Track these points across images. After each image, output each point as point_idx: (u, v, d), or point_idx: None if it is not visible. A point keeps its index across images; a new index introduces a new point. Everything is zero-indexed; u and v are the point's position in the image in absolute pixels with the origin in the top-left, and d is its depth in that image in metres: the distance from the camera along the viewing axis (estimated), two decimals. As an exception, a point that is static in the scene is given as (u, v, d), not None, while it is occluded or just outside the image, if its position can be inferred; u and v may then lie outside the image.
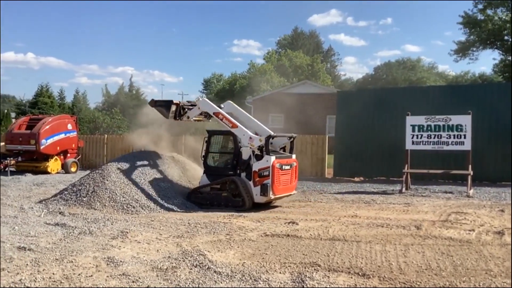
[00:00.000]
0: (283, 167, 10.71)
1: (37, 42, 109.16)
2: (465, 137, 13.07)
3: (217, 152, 11.55)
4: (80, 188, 10.73)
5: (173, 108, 11.52)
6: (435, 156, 14.95)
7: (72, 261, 5.93)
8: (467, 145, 13.05)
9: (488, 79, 46.87)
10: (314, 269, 5.67)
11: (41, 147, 18.77)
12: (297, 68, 56.59)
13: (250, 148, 10.62)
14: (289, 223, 8.59)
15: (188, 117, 11.77)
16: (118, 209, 9.92)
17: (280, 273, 5.56)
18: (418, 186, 14.09)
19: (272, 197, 10.51)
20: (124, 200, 10.16)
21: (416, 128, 13.65)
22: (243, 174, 10.76)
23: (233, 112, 12.11)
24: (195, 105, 11.73)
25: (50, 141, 19.21)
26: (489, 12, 32.19)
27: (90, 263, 5.88)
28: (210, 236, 7.57)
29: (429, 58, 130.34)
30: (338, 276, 5.43)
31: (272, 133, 11.08)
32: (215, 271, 5.55)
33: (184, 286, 5.02)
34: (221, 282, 5.18)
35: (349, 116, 17.68)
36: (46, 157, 19.24)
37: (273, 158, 10.42)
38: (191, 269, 5.68)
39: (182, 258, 6.11)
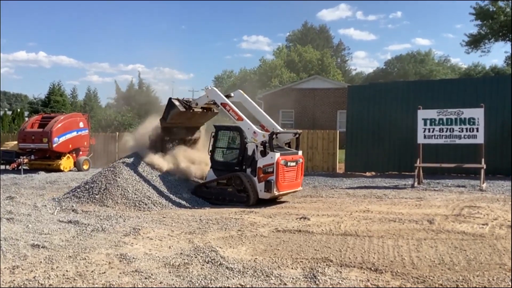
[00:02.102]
0: (288, 163, 10.70)
1: (48, 41, 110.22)
2: (477, 131, 12.93)
3: (224, 147, 11.57)
4: (92, 185, 10.81)
5: (176, 102, 11.64)
6: (447, 150, 14.82)
7: (85, 258, 5.97)
8: (480, 139, 12.92)
9: (500, 72, 46.31)
10: (326, 265, 5.65)
11: (54, 145, 18.95)
12: (307, 63, 56.42)
13: (253, 142, 10.66)
14: (300, 218, 8.58)
15: (196, 104, 11.89)
16: (130, 206, 9.98)
17: (292, 268, 5.56)
18: (431, 180, 13.97)
19: (276, 193, 10.50)
20: (136, 197, 10.22)
21: (428, 122, 13.54)
22: (248, 170, 10.79)
23: (242, 102, 12.14)
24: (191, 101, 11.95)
25: (62, 139, 19.38)
26: (501, 3, 31.81)
27: (103, 260, 5.93)
28: (222, 232, 7.59)
29: (440, 52, 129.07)
30: (350, 272, 5.41)
31: (278, 128, 11.08)
32: (227, 267, 5.56)
33: (196, 282, 5.03)
34: (233, 278, 5.19)
35: (360, 111, 17.57)
36: (59, 155, 19.44)
37: (277, 154, 10.43)
38: (203, 265, 5.69)
39: (194, 254, 6.13)
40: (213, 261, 5.82)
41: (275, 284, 5.00)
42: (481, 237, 6.80)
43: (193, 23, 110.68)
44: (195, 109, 11.98)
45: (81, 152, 20.47)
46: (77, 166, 19.84)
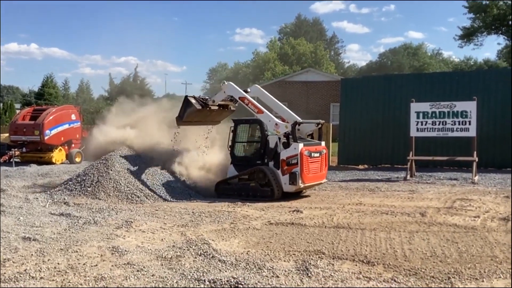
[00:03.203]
0: (312, 154, 10.35)
1: (40, 32, 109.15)
2: (470, 124, 12.98)
3: (244, 141, 11.17)
4: (84, 178, 10.74)
5: (192, 100, 11.24)
6: (439, 142, 14.89)
7: (77, 251, 5.94)
8: (472, 132, 12.97)
9: (493, 65, 46.55)
10: (319, 257, 5.66)
11: (45, 138, 18.82)
12: (301, 56, 56.35)
13: (276, 135, 10.36)
14: (293, 211, 8.59)
15: (213, 101, 11.47)
16: (123, 198, 9.93)
17: (285, 261, 5.56)
18: (423, 173, 14.03)
19: (302, 185, 10.19)
20: (129, 190, 10.17)
21: (421, 114, 13.56)
22: (271, 163, 10.44)
23: (260, 97, 11.88)
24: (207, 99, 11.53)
25: (54, 131, 19.25)
26: (494, -4, 31.95)
27: (95, 253, 5.90)
28: (215, 225, 7.57)
29: (433, 45, 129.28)
30: (342, 264, 5.42)
31: (299, 119, 10.72)
32: (219, 260, 5.55)
33: (188, 275, 5.02)
34: (226, 271, 5.18)
35: (353, 104, 17.59)
36: (51, 148, 19.30)
37: (301, 145, 10.11)
38: (195, 258, 5.68)
39: (187, 247, 6.12)
40: (205, 253, 5.81)
41: (267, 276, 4.99)
42: (473, 230, 6.84)
43: (185, 15, 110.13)
44: (212, 107, 11.56)
45: (73, 145, 20.34)
46: (69, 159, 19.72)
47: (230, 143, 11.09)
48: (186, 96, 11.37)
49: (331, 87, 30.74)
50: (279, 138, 10.34)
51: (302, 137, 10.84)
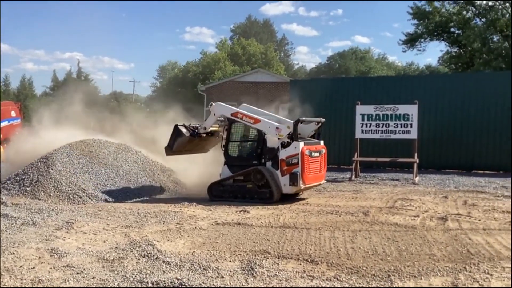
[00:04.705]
0: (312, 154, 9.93)
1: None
2: (411, 126, 13.44)
3: (239, 140, 10.66)
4: (23, 177, 10.31)
5: (183, 129, 10.73)
6: (383, 144, 15.35)
7: (13, 253, 5.69)
8: (414, 134, 13.45)
9: (435, 70, 48.47)
10: (264, 257, 5.68)
11: (-18, 135, 17.90)
12: (251, 57, 56.58)
13: (279, 139, 9.80)
14: (240, 211, 8.59)
15: (205, 128, 10.91)
16: (64, 199, 9.61)
17: (230, 261, 5.54)
18: (367, 173, 14.42)
19: (302, 186, 9.74)
20: (70, 190, 9.85)
21: (366, 117, 13.93)
22: (268, 163, 9.98)
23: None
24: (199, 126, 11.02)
25: (-9, 128, 18.33)
26: (436, 4, 33.20)
27: (32, 255, 5.67)
28: (160, 225, 7.45)
29: (379, 49, 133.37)
30: (287, 263, 5.46)
31: (291, 122, 10.14)
32: (163, 261, 5.46)
33: (131, 277, 4.91)
34: (170, 272, 5.10)
35: (302, 105, 17.80)
36: (-12, 145, 18.36)
37: (301, 144, 9.66)
38: (138, 259, 5.56)
39: (130, 248, 5.97)
40: (149, 255, 5.70)
41: (212, 277, 4.96)
42: (413, 229, 7.07)
43: (134, 12, 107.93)
44: (202, 135, 11.06)
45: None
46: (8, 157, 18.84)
47: (223, 142, 10.69)
48: (176, 125, 10.81)
49: (280, 88, 31.02)
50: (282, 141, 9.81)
51: (302, 136, 10.33)
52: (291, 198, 10.05)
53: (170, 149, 10.85)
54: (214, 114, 10.78)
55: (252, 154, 10.27)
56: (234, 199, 9.96)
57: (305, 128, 10.64)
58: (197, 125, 11.13)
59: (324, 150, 10.62)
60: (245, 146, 10.70)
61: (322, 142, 10.74)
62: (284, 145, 9.76)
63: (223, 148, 10.60)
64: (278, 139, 9.82)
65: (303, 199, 10.24)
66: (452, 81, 16.35)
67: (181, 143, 10.78)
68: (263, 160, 10.11)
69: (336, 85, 18.15)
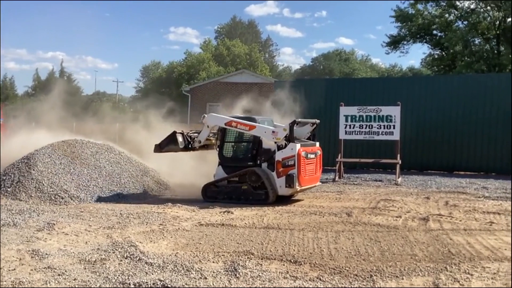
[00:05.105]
0: (308, 155, 9.89)
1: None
2: (394, 128, 13.56)
3: (234, 141, 10.51)
4: (4, 178, 10.17)
5: (179, 138, 10.61)
6: (366, 146, 15.46)
7: (-7, 255, 5.60)
8: (396, 135, 13.57)
9: (418, 72, 49.02)
10: (248, 258, 5.68)
11: (-38, 135, 17.59)
12: (235, 57, 56.55)
13: (276, 142, 9.71)
14: (224, 212, 8.58)
15: (200, 142, 10.79)
16: (45, 200, 9.50)
17: (213, 262, 5.53)
18: (351, 174, 14.51)
19: (298, 188, 9.69)
20: (52, 191, 9.73)
21: (349, 118, 14.02)
22: (264, 165, 9.90)
23: None
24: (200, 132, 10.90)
25: (-28, 128, 18.05)
26: (419, 7, 33.54)
27: (13, 256, 5.59)
28: (143, 226, 7.40)
29: (362, 51, 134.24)
30: (270, 264, 5.47)
31: (285, 126, 10.00)
32: (146, 262, 5.42)
33: (113, 278, 4.86)
34: (152, 273, 5.07)
35: (286, 106, 17.83)
36: (-32, 145, 18.06)
37: (298, 145, 9.60)
38: (121, 260, 5.52)
39: (112, 249, 5.92)
40: (131, 256, 5.66)
41: (195, 278, 4.94)
42: (395, 229, 7.14)
43: (118, 11, 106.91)
44: (195, 149, 11.00)
45: (-7, 143, 19.15)
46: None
47: (218, 143, 10.54)
48: (174, 132, 10.69)
49: (264, 89, 31.04)
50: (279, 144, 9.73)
51: (298, 138, 10.31)
52: (286, 199, 10.04)
53: (159, 149, 10.85)
54: (208, 126, 10.71)
55: (248, 155, 10.18)
56: (229, 200, 9.88)
57: (300, 130, 10.60)
58: (195, 132, 11.01)
59: (319, 152, 10.55)
60: (240, 147, 10.59)
61: (317, 144, 10.72)
62: (281, 147, 9.72)
63: (218, 149, 10.52)
64: (275, 143, 9.76)
65: (299, 200, 10.20)
66: (435, 83, 16.51)
67: (172, 149, 10.80)
68: (258, 161, 10.04)
69: (320, 86, 18.21)
